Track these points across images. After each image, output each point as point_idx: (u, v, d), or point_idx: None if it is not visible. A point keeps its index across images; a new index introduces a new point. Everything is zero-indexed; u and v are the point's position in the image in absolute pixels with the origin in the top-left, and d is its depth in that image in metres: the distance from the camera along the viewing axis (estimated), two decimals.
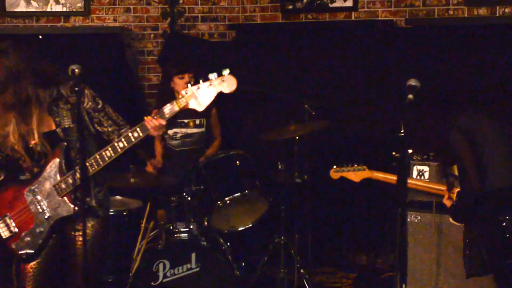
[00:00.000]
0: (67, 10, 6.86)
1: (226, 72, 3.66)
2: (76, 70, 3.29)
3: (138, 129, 3.65)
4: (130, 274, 4.77)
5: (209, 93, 3.68)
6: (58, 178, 3.67)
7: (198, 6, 7.13)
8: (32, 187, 3.71)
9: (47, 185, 3.68)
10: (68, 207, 3.69)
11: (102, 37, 6.86)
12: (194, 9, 7.12)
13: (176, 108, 3.68)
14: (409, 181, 4.45)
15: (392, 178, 4.47)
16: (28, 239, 3.72)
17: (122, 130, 3.79)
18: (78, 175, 3.60)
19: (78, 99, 3.23)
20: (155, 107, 5.79)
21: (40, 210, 3.70)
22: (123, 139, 3.62)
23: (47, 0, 6.80)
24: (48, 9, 6.82)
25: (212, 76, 3.65)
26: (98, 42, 6.81)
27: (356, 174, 4.63)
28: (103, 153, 3.63)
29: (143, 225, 5.02)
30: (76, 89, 3.23)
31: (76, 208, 3.68)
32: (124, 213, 5.15)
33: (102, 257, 4.21)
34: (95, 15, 6.96)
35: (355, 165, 4.63)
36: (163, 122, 3.67)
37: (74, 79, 3.34)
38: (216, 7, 7.15)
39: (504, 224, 3.84)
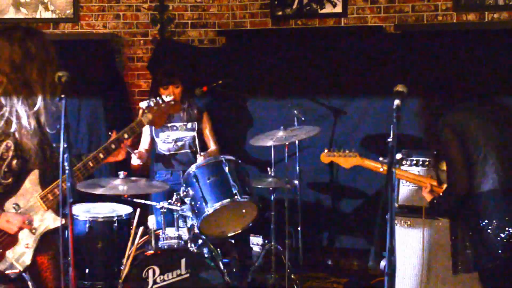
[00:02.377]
0: (57, 16, 6.86)
1: (169, 98, 3.99)
2: (63, 78, 3.27)
3: (115, 142, 3.72)
4: (120, 281, 4.75)
5: (163, 113, 3.99)
6: (40, 189, 3.55)
7: (188, 13, 7.13)
8: (15, 201, 3.53)
9: (30, 198, 3.54)
10: (55, 219, 3.62)
11: (92, 43, 6.86)
12: (184, 16, 7.13)
13: (144, 123, 3.87)
14: (398, 172, 4.43)
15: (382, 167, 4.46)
16: (14, 257, 3.55)
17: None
18: (64, 185, 3.55)
19: (65, 107, 3.20)
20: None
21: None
22: (101, 152, 3.65)
23: (36, 7, 6.79)
24: (38, 16, 6.82)
25: (160, 100, 3.95)
26: (88, 49, 6.80)
27: (347, 160, 4.60)
28: (89, 162, 3.61)
29: (132, 231, 5.01)
30: (63, 96, 3.19)
31: (63, 219, 3.60)
32: (114, 219, 5.15)
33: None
34: (84, 21, 6.96)
35: (347, 151, 4.61)
36: (127, 142, 3.80)
37: (61, 86, 3.30)
38: (206, 13, 7.16)
39: (489, 227, 3.85)
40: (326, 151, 4.70)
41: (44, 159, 3.56)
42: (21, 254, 3.57)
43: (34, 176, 3.54)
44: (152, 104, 3.89)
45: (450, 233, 4.19)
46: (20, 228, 3.52)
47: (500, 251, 3.84)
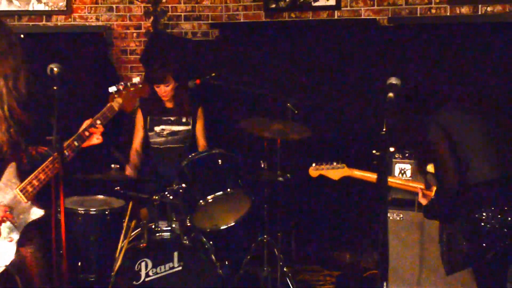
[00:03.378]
0: (49, 9, 6.82)
1: (137, 79, 4.04)
2: (55, 69, 3.26)
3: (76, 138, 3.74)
4: (112, 273, 4.76)
5: (133, 96, 4.00)
6: (19, 182, 3.56)
7: (181, 5, 7.11)
8: None
9: (9, 191, 3.54)
10: (35, 210, 3.61)
11: (85, 36, 6.83)
12: (177, 8, 7.10)
13: (115, 108, 3.88)
14: (388, 179, 4.45)
15: (371, 176, 4.46)
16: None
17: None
18: (41, 176, 3.56)
19: (57, 98, 3.20)
20: (140, 106, 5.78)
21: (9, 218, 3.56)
22: (75, 140, 3.70)
23: None
24: (30, 8, 6.78)
25: (129, 84, 3.98)
26: (81, 41, 6.78)
27: (335, 172, 4.62)
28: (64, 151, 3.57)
29: (125, 224, 5.00)
30: (55, 88, 3.19)
31: (44, 210, 3.62)
32: (106, 212, 5.14)
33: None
34: (77, 14, 6.93)
35: (334, 163, 4.62)
36: (101, 128, 3.83)
37: (53, 78, 3.29)
38: (199, 6, 7.14)
39: (483, 218, 3.85)
40: (314, 165, 4.71)
41: (18, 150, 3.55)
42: (5, 249, 3.55)
43: (12, 168, 3.52)
44: (121, 88, 3.90)
45: (440, 232, 4.17)
46: (2, 219, 3.51)
47: (494, 241, 3.83)
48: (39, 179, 3.59)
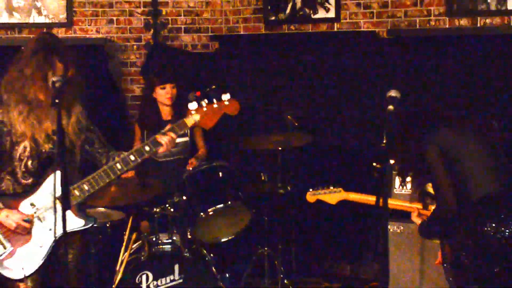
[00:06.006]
0: (50, 21, 6.84)
1: (226, 97, 3.77)
2: (57, 83, 3.28)
3: (149, 143, 3.74)
4: (113, 286, 4.75)
5: (215, 114, 3.77)
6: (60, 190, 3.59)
7: (181, 18, 7.13)
8: (31, 201, 3.64)
9: (49, 198, 3.61)
10: (73, 219, 3.66)
11: (85, 48, 6.84)
12: (177, 21, 7.12)
13: (188, 125, 3.79)
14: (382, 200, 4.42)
15: (368, 199, 4.43)
16: (26, 255, 3.63)
17: (111, 153, 3.84)
18: (85, 187, 3.63)
19: (59, 111, 3.22)
20: (138, 119, 5.79)
21: (42, 225, 3.65)
22: (132, 154, 3.70)
23: (29, 11, 6.77)
24: (31, 21, 6.79)
25: (215, 99, 3.76)
26: (81, 54, 6.78)
27: (332, 197, 4.59)
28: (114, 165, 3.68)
29: (126, 236, 5.00)
30: (57, 101, 3.21)
31: (83, 220, 3.70)
32: (107, 225, 5.14)
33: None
34: (77, 26, 6.94)
35: (331, 187, 4.58)
36: (175, 136, 3.76)
37: (55, 91, 3.32)
38: (199, 18, 7.16)
39: (487, 233, 3.83)
40: (310, 190, 4.67)
41: (64, 161, 3.60)
42: (30, 254, 3.62)
43: (55, 177, 3.51)
44: (203, 104, 3.74)
45: (441, 251, 4.15)
46: (19, 225, 3.60)
47: (500, 255, 3.82)
48: (82, 190, 3.66)
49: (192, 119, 3.75)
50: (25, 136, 3.63)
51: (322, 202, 4.61)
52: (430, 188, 4.07)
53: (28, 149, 3.64)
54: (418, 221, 4.18)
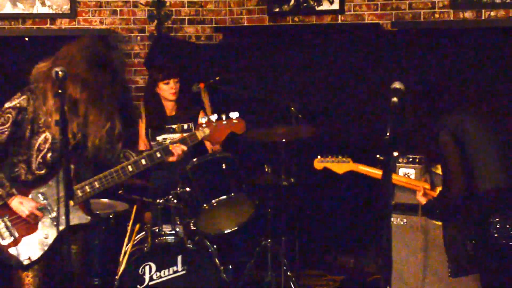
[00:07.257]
0: (53, 12, 6.84)
1: (234, 115, 4.07)
2: (60, 73, 3.27)
3: (161, 150, 3.92)
4: (116, 277, 4.76)
5: (224, 130, 4.04)
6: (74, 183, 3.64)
7: (185, 9, 7.12)
8: (41, 190, 3.66)
9: (59, 190, 3.60)
10: (80, 215, 3.67)
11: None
12: (181, 12, 7.11)
13: (198, 138, 4.00)
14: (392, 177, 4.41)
15: (375, 172, 4.42)
16: (30, 244, 3.64)
17: (117, 149, 3.89)
18: (96, 185, 3.69)
19: (62, 102, 3.21)
20: (146, 116, 5.73)
21: (49, 215, 3.67)
22: (144, 159, 3.83)
23: (33, 2, 6.77)
24: (34, 11, 6.79)
25: (224, 116, 4.04)
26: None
27: (340, 166, 4.57)
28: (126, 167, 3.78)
29: (129, 227, 5.00)
30: (60, 91, 3.20)
31: (89, 217, 3.75)
32: (111, 216, 5.15)
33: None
34: (81, 17, 6.94)
35: (340, 157, 4.59)
36: (185, 148, 3.97)
37: (58, 82, 3.31)
38: (203, 9, 7.15)
39: (493, 225, 3.83)
40: (319, 157, 4.68)
41: (79, 157, 3.69)
42: (34, 244, 3.64)
43: (66, 171, 3.53)
44: (213, 120, 3.99)
45: (444, 237, 4.16)
46: (31, 214, 3.62)
47: (504, 250, 3.82)
48: (93, 187, 3.70)
49: (203, 132, 3.98)
50: (47, 127, 3.63)
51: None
52: (438, 170, 4.07)
53: (49, 140, 3.64)
54: (423, 200, 4.19)
